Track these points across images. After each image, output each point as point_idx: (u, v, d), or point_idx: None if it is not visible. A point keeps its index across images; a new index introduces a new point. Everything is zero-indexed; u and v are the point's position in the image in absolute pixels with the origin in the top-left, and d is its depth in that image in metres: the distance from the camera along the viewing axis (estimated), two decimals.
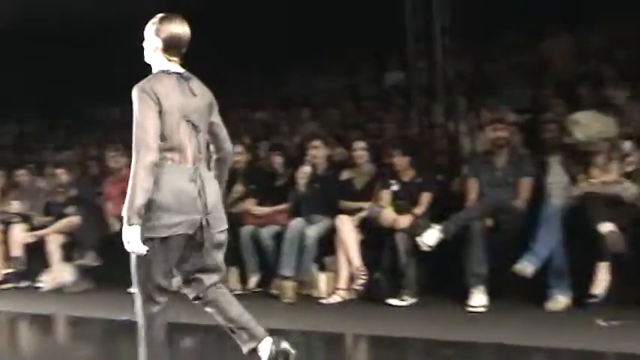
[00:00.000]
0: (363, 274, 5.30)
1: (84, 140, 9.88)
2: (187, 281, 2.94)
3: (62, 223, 6.77)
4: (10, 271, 6.90)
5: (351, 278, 5.37)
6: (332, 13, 8.39)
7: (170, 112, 2.78)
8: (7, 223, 7.10)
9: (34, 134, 11.27)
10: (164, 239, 2.74)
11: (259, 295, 5.74)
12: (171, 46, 2.90)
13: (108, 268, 6.44)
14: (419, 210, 5.30)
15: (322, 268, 5.66)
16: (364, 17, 8.13)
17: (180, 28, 2.91)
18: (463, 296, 4.85)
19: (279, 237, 5.69)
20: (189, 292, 2.96)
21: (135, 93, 2.79)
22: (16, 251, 6.88)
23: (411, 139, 6.49)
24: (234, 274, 5.92)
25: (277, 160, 6.29)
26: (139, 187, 2.68)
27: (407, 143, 6.08)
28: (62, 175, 7.13)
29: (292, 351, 2.86)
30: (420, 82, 6.58)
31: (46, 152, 9.83)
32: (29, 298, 6.48)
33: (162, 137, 2.78)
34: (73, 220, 6.73)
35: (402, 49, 6.83)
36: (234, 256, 5.83)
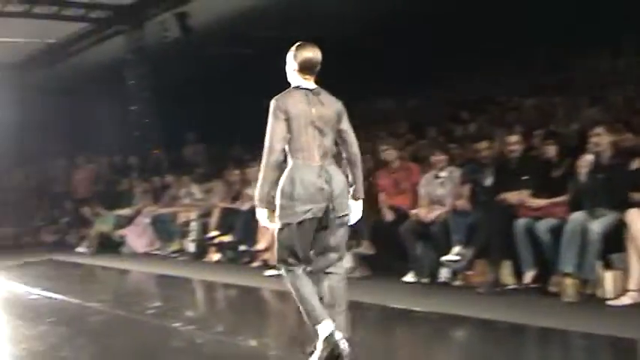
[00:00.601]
0: None
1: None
2: (315, 256, 3.59)
3: None
4: None
5: None
6: None
7: (296, 118, 3.45)
8: None
9: None
10: (299, 223, 3.45)
11: (535, 291, 5.45)
12: (304, 67, 3.54)
13: (382, 256, 6.68)
14: None
15: (608, 266, 5.16)
16: None
17: (312, 53, 3.53)
18: None
19: (557, 231, 5.34)
20: (312, 265, 3.61)
21: (270, 105, 3.47)
22: None
23: None
24: (507, 267, 5.73)
25: (552, 149, 5.90)
26: (264, 180, 3.46)
27: None
28: None
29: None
30: None
31: None
32: None
33: (291, 139, 3.46)
34: None
35: None
36: (508, 250, 5.66)
